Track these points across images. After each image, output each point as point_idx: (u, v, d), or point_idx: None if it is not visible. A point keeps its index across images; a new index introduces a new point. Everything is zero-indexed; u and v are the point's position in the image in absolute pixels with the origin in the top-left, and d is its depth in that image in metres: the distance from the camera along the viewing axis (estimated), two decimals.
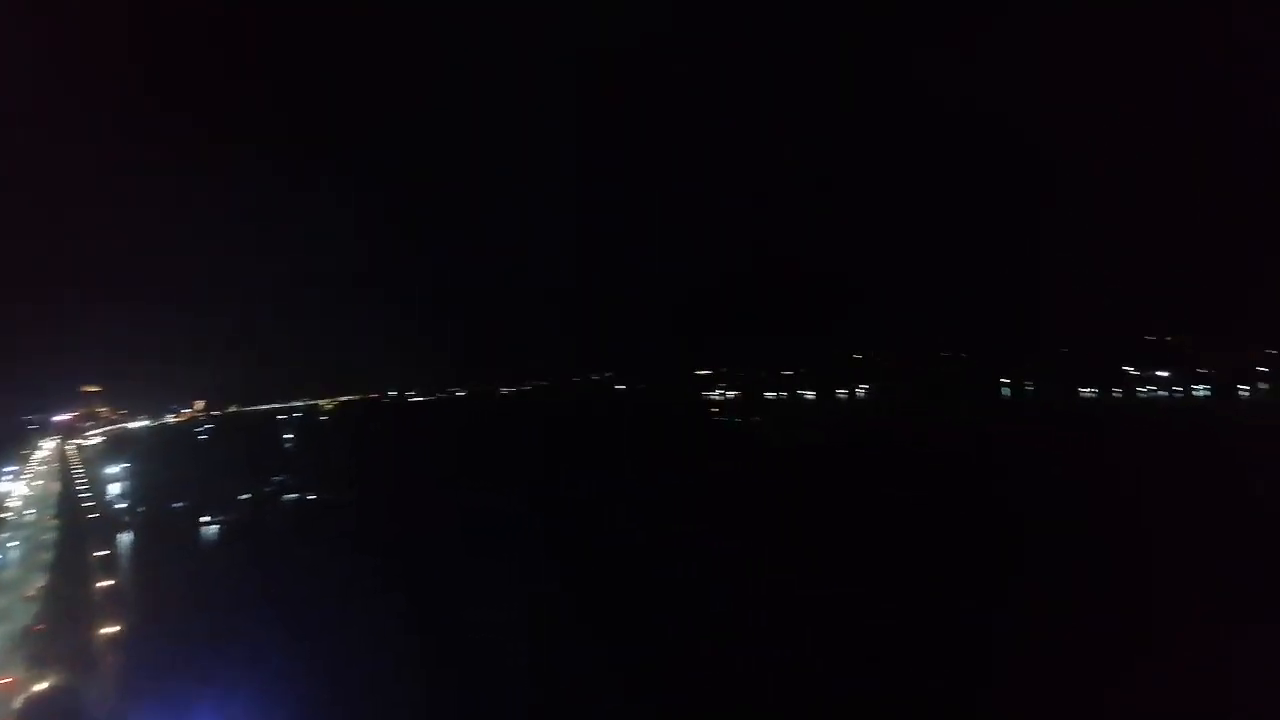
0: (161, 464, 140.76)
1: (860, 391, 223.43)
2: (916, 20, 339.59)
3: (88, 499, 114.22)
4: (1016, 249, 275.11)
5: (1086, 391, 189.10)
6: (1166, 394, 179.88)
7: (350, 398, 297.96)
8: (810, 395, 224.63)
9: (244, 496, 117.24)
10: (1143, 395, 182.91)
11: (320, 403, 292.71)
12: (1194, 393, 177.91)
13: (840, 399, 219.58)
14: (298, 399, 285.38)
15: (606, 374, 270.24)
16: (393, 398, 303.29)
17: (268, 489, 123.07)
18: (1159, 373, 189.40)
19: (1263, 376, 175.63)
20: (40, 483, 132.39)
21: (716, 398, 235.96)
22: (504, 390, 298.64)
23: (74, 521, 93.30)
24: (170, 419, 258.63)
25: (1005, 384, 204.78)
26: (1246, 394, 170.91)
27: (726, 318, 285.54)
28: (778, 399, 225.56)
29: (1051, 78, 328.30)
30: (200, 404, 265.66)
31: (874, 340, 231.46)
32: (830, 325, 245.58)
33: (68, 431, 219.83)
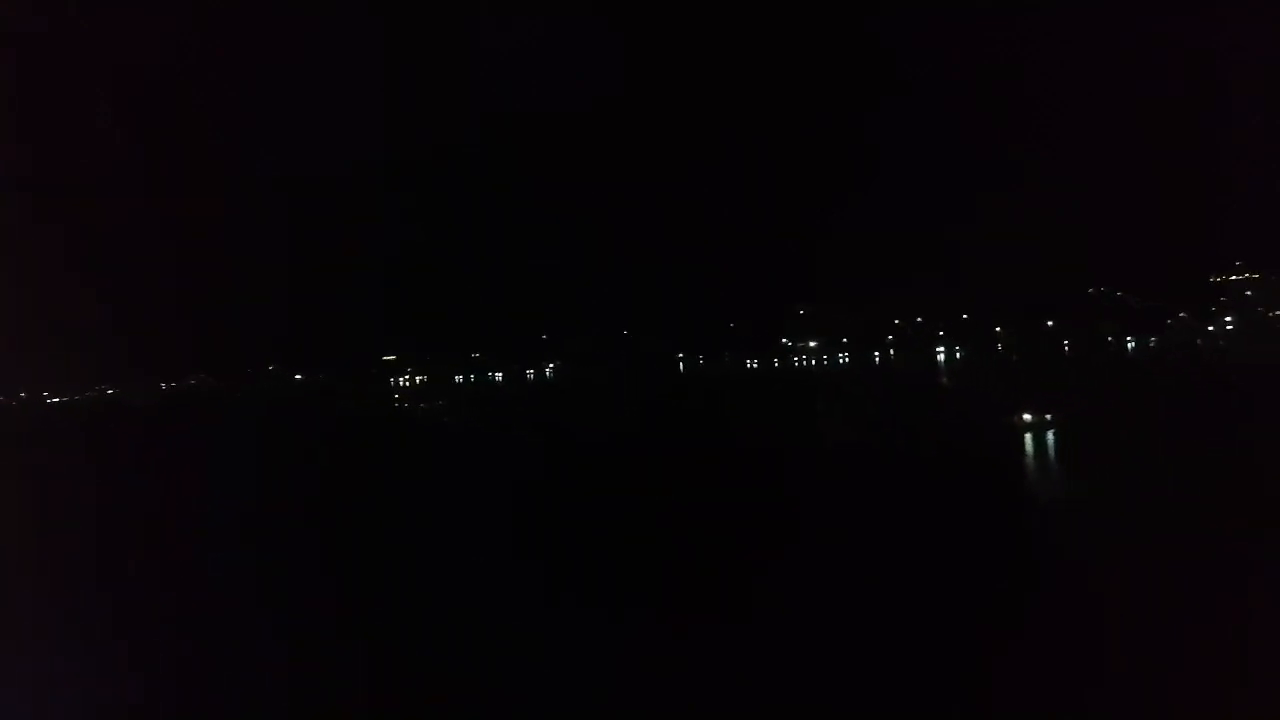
0: None
1: (549, 371, 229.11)
2: None
3: None
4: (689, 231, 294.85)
5: (751, 362, 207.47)
6: (815, 362, 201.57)
7: None
8: (499, 377, 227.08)
9: None
10: (798, 365, 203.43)
11: None
12: (839, 360, 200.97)
13: (529, 380, 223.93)
14: None
15: (282, 364, 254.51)
16: (23, 399, 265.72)
17: None
18: (811, 343, 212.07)
19: (897, 344, 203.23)
20: None
21: (404, 384, 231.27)
22: (164, 386, 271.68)
23: None
24: None
25: (681, 358, 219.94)
26: (877, 360, 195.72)
27: (417, 301, 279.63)
28: (465, 382, 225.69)
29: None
30: None
31: (567, 321, 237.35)
32: (522, 307, 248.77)
33: None
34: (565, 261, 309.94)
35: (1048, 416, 76.37)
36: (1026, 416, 76.27)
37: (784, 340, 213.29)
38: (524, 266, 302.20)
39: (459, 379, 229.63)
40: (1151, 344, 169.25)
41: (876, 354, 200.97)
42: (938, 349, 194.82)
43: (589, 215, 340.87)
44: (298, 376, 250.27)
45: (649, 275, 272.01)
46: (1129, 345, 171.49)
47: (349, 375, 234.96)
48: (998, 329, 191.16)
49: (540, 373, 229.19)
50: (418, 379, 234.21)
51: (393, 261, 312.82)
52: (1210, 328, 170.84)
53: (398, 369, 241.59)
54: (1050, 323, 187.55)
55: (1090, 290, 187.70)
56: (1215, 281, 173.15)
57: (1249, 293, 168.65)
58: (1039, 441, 71.29)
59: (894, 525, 46.63)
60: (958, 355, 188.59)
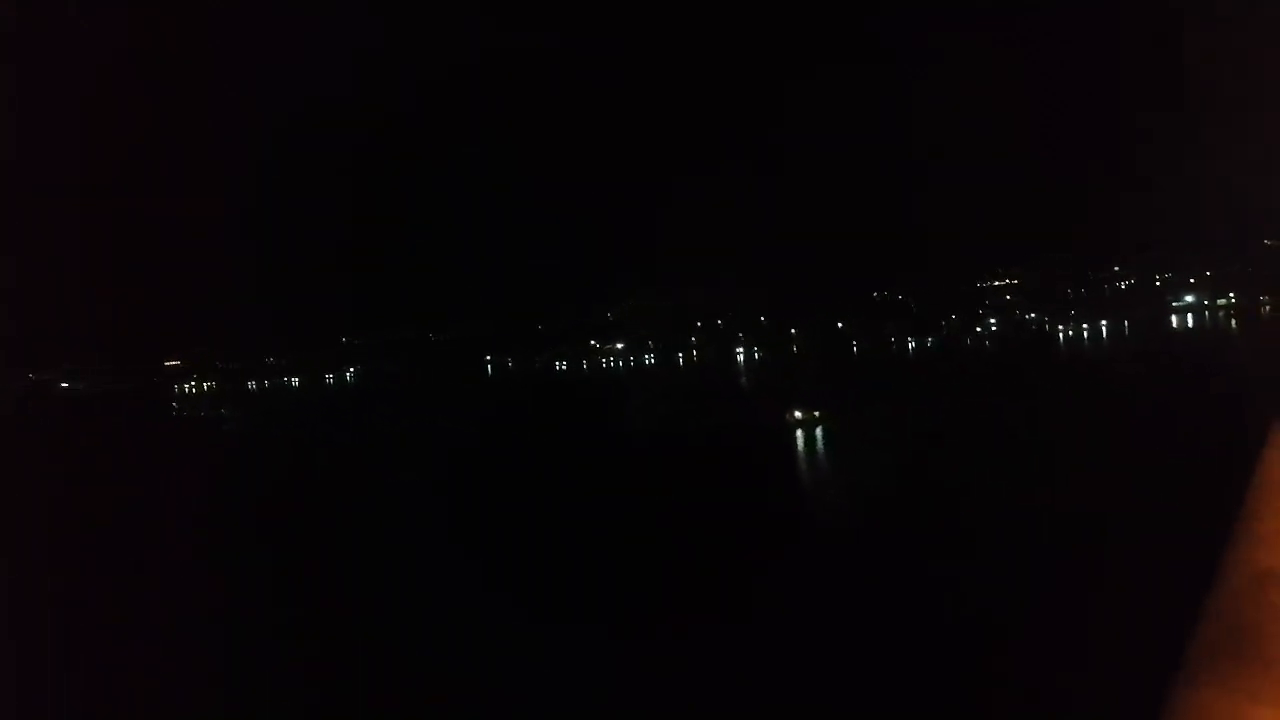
0: None
1: (349, 375, 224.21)
2: None
3: None
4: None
5: (560, 364, 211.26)
6: (622, 363, 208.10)
7: None
8: (295, 381, 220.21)
9: None
10: (605, 365, 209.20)
11: None
12: (646, 361, 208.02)
13: (327, 384, 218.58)
14: None
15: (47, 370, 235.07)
16: None
17: None
18: (618, 345, 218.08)
19: (700, 345, 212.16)
20: None
21: (189, 391, 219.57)
22: None
23: None
24: None
25: (489, 360, 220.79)
26: (681, 360, 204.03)
27: (205, 302, 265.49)
28: (260, 388, 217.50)
29: None
30: None
31: (366, 322, 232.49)
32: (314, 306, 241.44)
33: None
34: (365, 259, 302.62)
35: (815, 413, 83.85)
36: (797, 414, 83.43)
37: (592, 342, 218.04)
38: (320, 263, 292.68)
39: (252, 384, 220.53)
40: (929, 344, 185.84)
41: (681, 355, 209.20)
42: (738, 349, 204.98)
43: (391, 212, 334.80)
44: (64, 385, 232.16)
45: (453, 274, 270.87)
46: (910, 345, 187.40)
47: (127, 381, 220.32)
48: (793, 330, 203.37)
49: (340, 376, 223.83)
50: (205, 385, 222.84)
51: (178, 258, 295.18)
52: (978, 328, 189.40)
53: (183, 375, 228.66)
54: (840, 324, 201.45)
55: (875, 294, 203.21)
56: (980, 286, 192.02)
57: (1008, 296, 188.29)
58: (802, 435, 78.64)
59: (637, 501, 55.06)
60: (756, 355, 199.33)
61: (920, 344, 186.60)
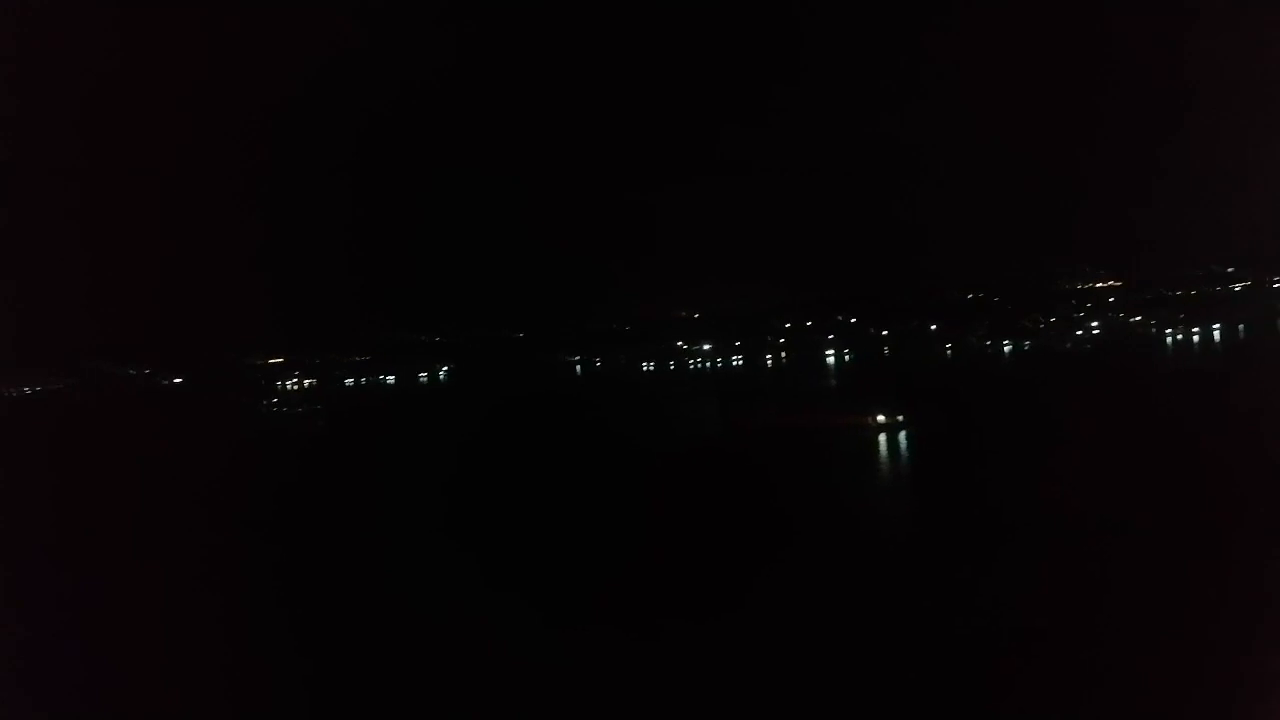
0: None
1: (443, 374, 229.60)
2: None
3: None
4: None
5: (646, 365, 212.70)
6: (709, 365, 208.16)
7: None
8: (390, 380, 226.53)
9: None
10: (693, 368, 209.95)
11: None
12: (733, 363, 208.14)
13: (421, 382, 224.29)
14: None
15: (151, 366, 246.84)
16: None
17: None
18: (705, 345, 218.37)
19: (789, 347, 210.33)
20: None
21: (290, 388, 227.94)
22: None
23: None
24: None
25: (576, 361, 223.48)
26: (770, 362, 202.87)
27: (301, 300, 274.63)
28: (356, 385, 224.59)
29: None
30: None
31: (449, 320, 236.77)
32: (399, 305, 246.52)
33: None
34: (457, 261, 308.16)
35: (899, 418, 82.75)
36: (880, 418, 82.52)
37: (679, 343, 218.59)
38: (415, 264, 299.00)
39: (349, 382, 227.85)
40: (1026, 347, 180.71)
41: (769, 357, 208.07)
42: (828, 352, 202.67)
43: (478, 213, 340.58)
44: (177, 380, 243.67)
45: (539, 277, 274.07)
46: (1005, 348, 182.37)
47: (229, 379, 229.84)
48: (884, 332, 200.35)
49: (434, 375, 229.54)
50: (305, 383, 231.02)
51: (273, 256, 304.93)
52: (1079, 332, 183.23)
53: (285, 372, 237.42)
54: (934, 327, 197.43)
55: (970, 296, 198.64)
56: (1082, 289, 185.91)
57: (1111, 299, 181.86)
58: (881, 440, 77.84)
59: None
60: (847, 358, 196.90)
61: (1017, 347, 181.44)
